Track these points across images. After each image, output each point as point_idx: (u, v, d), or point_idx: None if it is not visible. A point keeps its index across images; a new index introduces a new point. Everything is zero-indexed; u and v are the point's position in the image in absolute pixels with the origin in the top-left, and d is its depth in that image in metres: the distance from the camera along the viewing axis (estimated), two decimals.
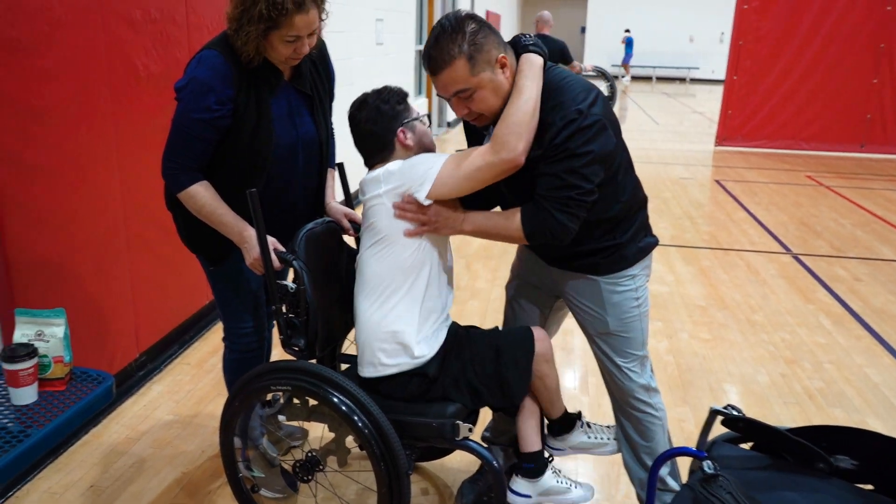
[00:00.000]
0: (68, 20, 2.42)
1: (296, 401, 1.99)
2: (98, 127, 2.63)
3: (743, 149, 9.65)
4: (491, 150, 1.73)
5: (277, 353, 2.25)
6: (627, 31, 22.25)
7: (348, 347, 2.19)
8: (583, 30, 24.71)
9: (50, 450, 2.51)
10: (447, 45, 1.69)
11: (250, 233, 1.93)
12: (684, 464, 1.96)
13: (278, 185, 2.06)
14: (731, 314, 3.97)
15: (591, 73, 9.38)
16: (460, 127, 9.23)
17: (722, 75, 9.84)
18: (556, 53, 7.36)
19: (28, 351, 1.84)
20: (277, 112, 2.01)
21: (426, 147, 1.95)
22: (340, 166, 2.31)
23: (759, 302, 4.17)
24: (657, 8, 23.19)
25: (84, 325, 2.62)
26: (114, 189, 2.74)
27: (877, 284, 4.51)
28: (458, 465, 2.50)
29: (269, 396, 2.03)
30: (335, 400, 1.81)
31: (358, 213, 2.16)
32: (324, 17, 1.94)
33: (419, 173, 1.80)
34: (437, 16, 9.94)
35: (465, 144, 2.06)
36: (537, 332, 1.95)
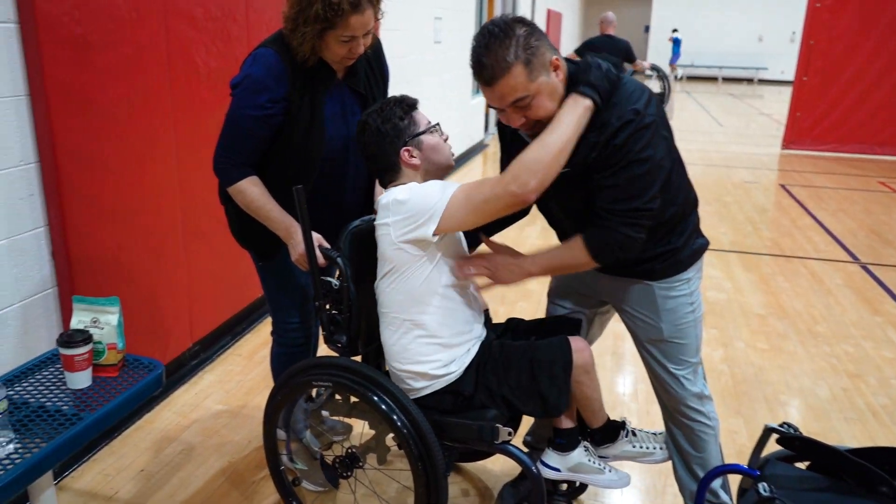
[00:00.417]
0: (132, 19, 2.50)
1: (337, 397, 2.00)
2: (158, 122, 2.70)
3: (811, 152, 9.30)
4: (501, 182, 1.64)
5: (325, 349, 2.27)
6: (675, 30, 21.75)
7: None
8: (646, 29, 24.23)
9: (104, 433, 2.60)
10: (500, 51, 1.59)
11: (296, 229, 1.95)
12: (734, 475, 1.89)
13: (329, 184, 2.08)
14: (792, 324, 3.82)
15: (649, 73, 9.20)
16: None
17: (791, 76, 9.49)
18: (621, 52, 7.51)
19: (83, 337, 1.91)
20: (330, 111, 2.02)
21: (436, 163, 1.87)
22: None
23: (822, 312, 4.00)
24: (724, 6, 22.55)
25: (140, 314, 2.70)
26: (172, 182, 2.82)
27: None
28: (501, 468, 2.47)
29: (314, 392, 2.05)
30: (375, 398, 1.81)
31: None
32: (379, 16, 1.94)
33: (426, 208, 1.71)
34: (498, 13, 9.88)
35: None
36: (576, 343, 1.86)
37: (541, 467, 1.96)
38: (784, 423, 1.54)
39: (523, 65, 1.59)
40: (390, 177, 1.89)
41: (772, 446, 1.60)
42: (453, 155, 1.98)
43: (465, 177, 7.53)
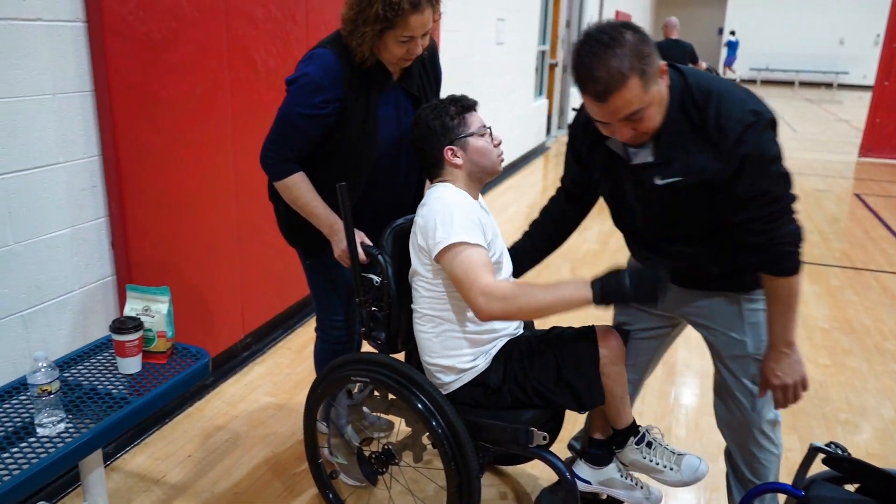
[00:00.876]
0: (195, 18, 2.58)
1: (376, 393, 2.02)
2: (217, 118, 2.78)
3: (890, 161, 8.85)
4: (478, 285, 1.66)
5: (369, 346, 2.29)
6: (732, 33, 21.07)
7: None
8: (720, 31, 23.56)
9: (156, 419, 2.69)
10: (613, 61, 1.44)
11: (340, 226, 1.97)
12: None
13: (380, 184, 2.08)
14: (858, 339, 3.65)
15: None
16: None
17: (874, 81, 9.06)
18: (687, 55, 7.53)
19: (134, 324, 1.98)
20: (384, 113, 2.02)
21: (480, 166, 1.89)
22: None
23: (892, 328, 3.80)
24: (804, 8, 21.71)
25: (194, 305, 2.79)
26: (228, 177, 2.90)
27: None
28: (540, 472, 2.44)
29: (357, 388, 2.06)
30: (410, 396, 1.82)
31: None
32: (437, 16, 1.93)
33: (430, 241, 1.78)
34: (563, 16, 9.80)
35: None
36: (604, 333, 1.81)
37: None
38: (831, 442, 1.47)
39: (639, 76, 1.46)
40: (435, 172, 1.93)
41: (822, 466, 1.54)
42: (502, 160, 1.97)
43: (528, 178, 7.49)
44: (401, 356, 2.11)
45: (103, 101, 2.26)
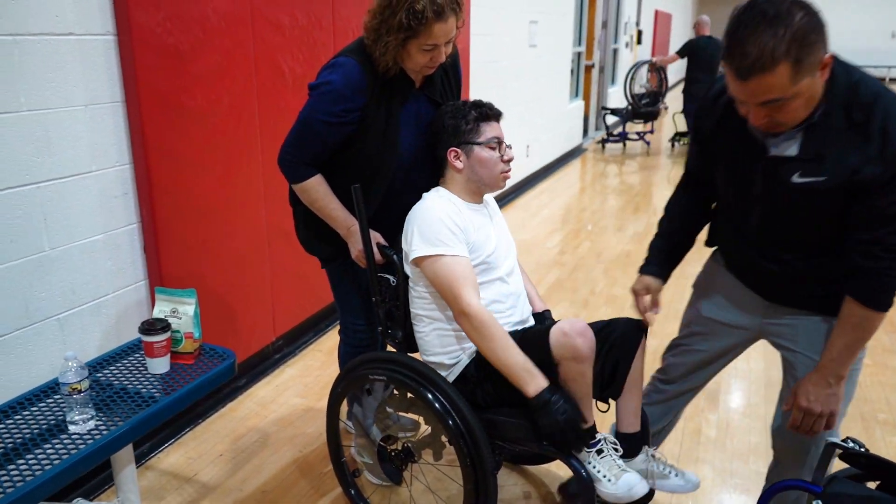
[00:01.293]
0: (221, 28, 2.65)
1: (396, 391, 2.04)
2: (245, 125, 2.85)
3: None
4: (464, 299, 1.75)
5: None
6: None
7: None
8: None
9: (189, 419, 2.76)
10: (769, 41, 1.30)
11: (357, 227, 2.00)
12: None
13: (399, 189, 2.09)
14: None
15: None
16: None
17: None
18: (717, 50, 7.50)
19: (162, 325, 2.04)
20: (405, 120, 2.03)
21: (479, 176, 1.92)
22: None
23: None
24: (853, 3, 21.10)
25: (224, 308, 2.86)
26: (257, 183, 2.96)
27: None
28: (566, 471, 2.43)
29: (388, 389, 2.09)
30: (426, 394, 1.84)
31: None
32: (460, 24, 1.93)
33: (407, 247, 1.87)
34: (599, 17, 9.73)
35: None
36: (573, 326, 1.73)
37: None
38: (847, 437, 1.43)
39: (791, 65, 1.31)
40: (440, 173, 1.97)
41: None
42: (506, 177, 1.97)
43: (563, 180, 7.45)
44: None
45: (133, 111, 2.34)
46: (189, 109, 2.55)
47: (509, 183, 6.41)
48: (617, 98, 10.64)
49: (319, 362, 3.28)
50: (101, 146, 2.28)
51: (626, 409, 1.96)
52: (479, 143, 1.90)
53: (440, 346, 1.92)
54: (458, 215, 1.88)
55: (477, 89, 5.36)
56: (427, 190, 2.15)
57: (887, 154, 1.40)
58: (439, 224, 1.83)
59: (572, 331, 1.72)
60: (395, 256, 1.98)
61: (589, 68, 9.71)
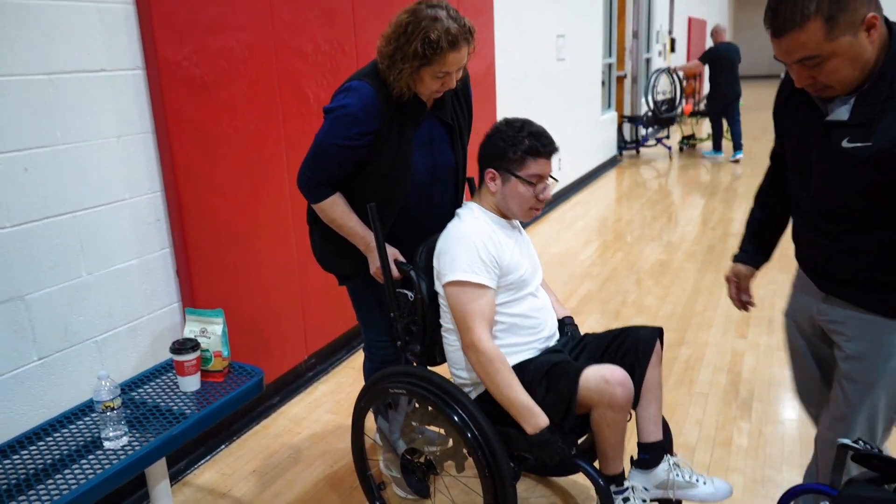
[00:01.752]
0: (246, 58, 2.76)
1: (417, 405, 2.08)
2: (272, 150, 2.95)
3: None
4: (474, 332, 1.82)
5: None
6: None
7: None
8: None
9: (225, 436, 2.85)
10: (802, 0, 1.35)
11: (374, 246, 2.05)
12: None
13: (416, 208, 2.14)
14: None
15: None
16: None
17: None
18: (738, 56, 8.45)
19: (192, 345, 2.13)
20: (418, 141, 2.09)
21: (507, 205, 1.96)
22: (470, 181, 2.38)
23: None
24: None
25: (257, 327, 2.95)
26: (285, 205, 3.06)
27: None
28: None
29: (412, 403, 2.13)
30: (445, 407, 1.87)
31: None
32: (472, 51, 1.99)
33: (439, 268, 1.93)
34: (629, 28, 9.71)
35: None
36: (613, 374, 1.77)
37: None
38: (859, 438, 1.41)
39: (824, 20, 1.34)
40: (479, 186, 2.03)
41: None
42: (535, 213, 1.99)
43: (597, 192, 7.43)
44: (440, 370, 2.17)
45: (163, 141, 2.45)
46: (217, 137, 2.65)
47: None
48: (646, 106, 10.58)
49: (351, 379, 3.34)
50: (134, 175, 2.39)
51: (645, 417, 1.96)
52: (518, 176, 1.91)
53: (466, 363, 1.95)
54: (494, 241, 1.90)
55: (504, 105, 5.41)
56: (441, 208, 2.20)
57: None
58: (474, 253, 1.86)
59: (613, 380, 1.76)
60: (411, 272, 2.02)
61: (621, 79, 9.68)
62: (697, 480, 1.94)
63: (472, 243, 1.88)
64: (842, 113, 1.49)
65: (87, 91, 2.21)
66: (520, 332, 1.97)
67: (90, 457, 1.83)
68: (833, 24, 1.34)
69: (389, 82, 1.97)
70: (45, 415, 2.10)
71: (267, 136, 2.92)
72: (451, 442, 2.02)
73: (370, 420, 2.25)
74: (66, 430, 1.97)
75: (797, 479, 2.10)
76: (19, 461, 1.83)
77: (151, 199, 2.47)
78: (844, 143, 1.48)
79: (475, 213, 1.99)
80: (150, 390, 2.18)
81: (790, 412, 2.87)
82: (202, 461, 2.71)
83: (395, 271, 2.03)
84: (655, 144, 9.97)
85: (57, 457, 1.84)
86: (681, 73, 9.81)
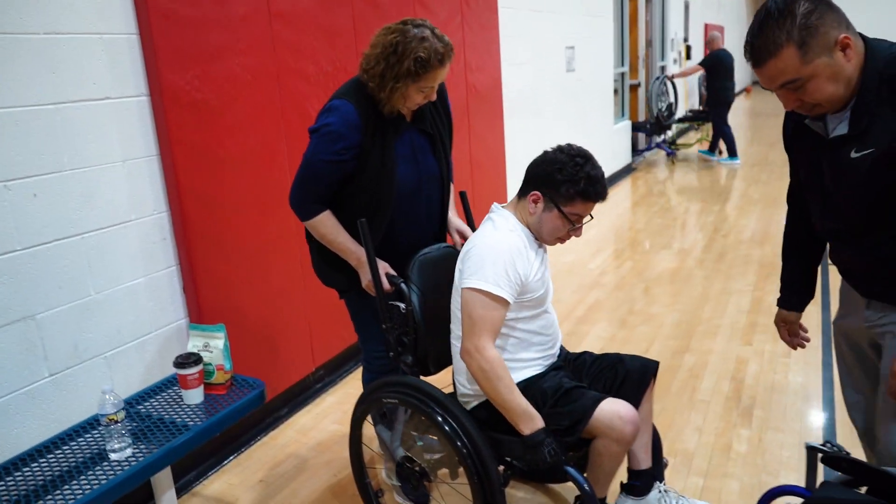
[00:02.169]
0: (249, 82, 2.86)
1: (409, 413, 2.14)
2: (276, 170, 3.04)
3: None
4: (474, 337, 1.84)
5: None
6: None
7: None
8: None
9: (233, 448, 2.93)
10: (773, 31, 1.46)
11: (365, 260, 2.12)
12: None
13: (404, 219, 2.22)
14: None
15: None
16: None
17: None
18: (730, 62, 8.81)
19: (194, 359, 2.21)
20: (401, 152, 2.17)
21: (539, 229, 1.97)
22: (463, 195, 2.44)
23: None
24: None
25: (263, 341, 3.03)
26: (290, 222, 3.13)
27: None
28: None
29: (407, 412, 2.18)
30: (433, 414, 1.93)
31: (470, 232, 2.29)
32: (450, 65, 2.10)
33: (464, 271, 1.92)
34: (642, 37, 9.73)
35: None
36: (627, 413, 1.83)
37: None
38: (827, 441, 1.44)
39: (797, 46, 1.45)
40: (520, 195, 2.02)
41: None
42: (559, 243, 2.04)
43: (610, 200, 7.41)
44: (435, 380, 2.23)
45: (168, 163, 2.55)
46: (221, 158, 2.75)
47: None
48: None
49: (358, 390, 3.38)
50: (140, 197, 2.50)
51: (638, 445, 2.01)
52: (561, 211, 1.92)
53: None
54: (524, 259, 1.92)
55: (513, 118, 5.47)
56: (431, 218, 2.26)
57: None
58: (502, 266, 1.86)
59: (626, 417, 1.82)
60: (402, 285, 2.09)
61: (635, 87, 9.70)
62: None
63: (503, 257, 1.87)
64: (842, 128, 1.58)
65: (92, 118, 2.31)
66: (531, 348, 2.02)
67: (96, 468, 1.92)
68: (806, 49, 1.45)
69: (380, 99, 2.06)
70: (55, 428, 2.19)
71: (271, 155, 3.02)
72: (444, 450, 2.07)
73: (369, 429, 2.31)
74: (74, 444, 2.07)
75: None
76: (29, 474, 1.93)
77: (157, 220, 2.57)
78: (853, 154, 1.55)
79: (511, 225, 1.98)
80: (155, 403, 2.27)
81: (792, 419, 2.88)
82: (211, 472, 2.79)
83: (386, 284, 2.10)
84: (654, 150, 10.14)
85: (65, 468, 1.94)
86: (676, 80, 9.96)
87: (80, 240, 2.30)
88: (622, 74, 9.08)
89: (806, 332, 2.05)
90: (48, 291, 2.20)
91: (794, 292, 2.00)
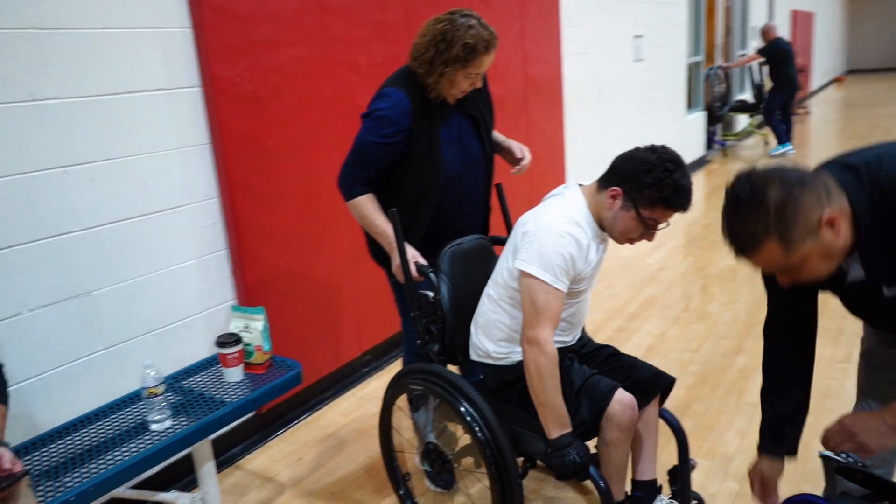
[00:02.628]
0: (298, 74, 2.95)
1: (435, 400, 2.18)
2: (324, 158, 3.13)
3: None
4: (534, 338, 1.81)
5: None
6: None
7: None
8: None
9: (278, 426, 3.05)
10: (748, 224, 1.32)
11: (394, 246, 2.17)
12: None
13: (448, 203, 2.28)
14: None
15: None
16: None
17: None
18: (790, 49, 8.79)
19: (234, 339, 2.32)
20: (447, 136, 2.25)
21: (611, 227, 1.89)
22: (499, 188, 2.46)
23: None
24: None
25: (311, 324, 3.13)
26: (338, 209, 3.22)
27: None
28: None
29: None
30: (455, 402, 1.96)
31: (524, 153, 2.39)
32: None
33: (521, 254, 1.88)
34: (720, 24, 9.39)
35: None
36: (623, 398, 1.84)
37: None
38: (842, 451, 1.39)
39: (777, 239, 1.30)
40: (598, 188, 1.93)
41: None
42: (628, 244, 1.95)
43: None
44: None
45: (218, 151, 2.67)
46: (269, 147, 2.86)
47: None
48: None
49: None
50: (192, 183, 2.62)
51: (640, 454, 2.00)
52: (639, 213, 1.82)
53: (496, 337, 2.02)
54: (583, 257, 1.87)
55: (574, 109, 5.41)
56: (477, 204, 2.30)
57: None
58: (560, 258, 1.82)
59: (625, 401, 1.84)
60: (430, 274, 2.13)
61: (728, 77, 9.38)
62: None
63: (558, 249, 1.83)
64: (857, 271, 1.45)
65: (148, 108, 2.45)
66: (556, 333, 2.01)
67: (139, 437, 2.05)
68: (788, 240, 1.30)
69: (428, 84, 2.15)
70: (107, 397, 2.34)
71: (319, 144, 3.10)
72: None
73: (398, 414, 2.37)
74: (121, 413, 2.21)
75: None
76: (78, 438, 2.07)
77: (208, 206, 2.70)
78: (887, 293, 1.43)
79: (578, 216, 1.89)
80: (198, 380, 2.39)
81: None
82: (256, 447, 2.92)
83: (414, 272, 2.14)
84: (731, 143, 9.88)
85: (112, 434, 2.08)
86: (730, 70, 9.69)
87: (133, 223, 2.44)
88: (697, 64, 8.80)
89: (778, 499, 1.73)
90: (103, 270, 2.36)
91: (781, 437, 1.67)
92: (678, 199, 1.78)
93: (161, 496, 2.41)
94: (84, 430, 2.12)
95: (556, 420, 1.81)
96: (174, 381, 2.37)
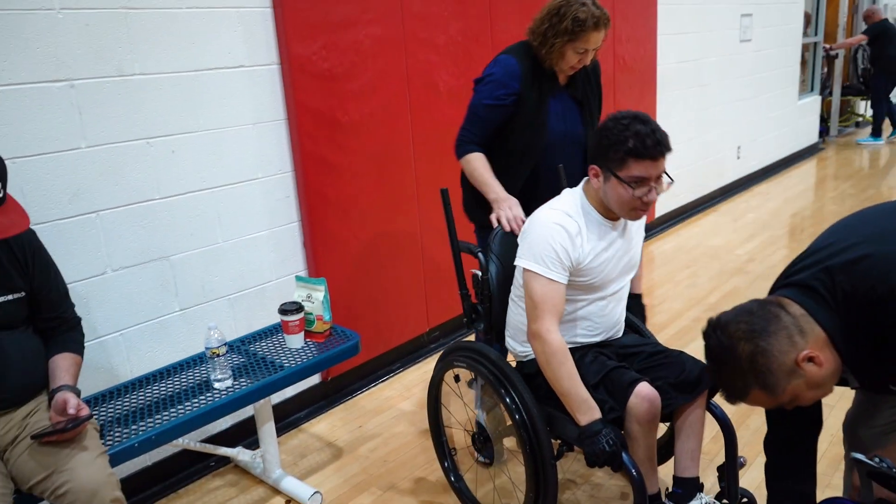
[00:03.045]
0: (374, 51, 3.01)
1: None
2: (398, 136, 3.19)
3: None
4: (537, 332, 1.84)
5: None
6: None
7: None
8: None
9: (345, 394, 3.17)
10: (730, 378, 1.41)
11: (503, 197, 2.27)
12: None
13: (545, 172, 2.39)
14: None
15: None
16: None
17: None
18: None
19: (295, 307, 2.43)
20: (553, 107, 2.39)
21: (607, 203, 1.88)
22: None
23: None
24: None
25: (379, 298, 3.22)
26: (410, 187, 3.29)
27: None
28: (667, 473, 2.39)
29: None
30: (496, 383, 1.98)
31: None
32: (605, 37, 2.30)
33: (518, 254, 1.95)
34: (844, 4, 8.73)
35: None
36: (645, 391, 1.80)
37: None
38: (875, 455, 1.32)
39: (760, 389, 1.37)
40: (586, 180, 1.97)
41: None
42: (640, 214, 1.90)
43: (783, 182, 6.87)
44: None
45: (293, 127, 2.78)
46: (343, 124, 2.94)
47: (715, 187, 6.10)
48: None
49: None
50: (267, 157, 2.75)
51: (682, 451, 1.95)
52: (617, 177, 1.80)
53: (520, 339, 2.04)
54: (574, 243, 1.87)
55: (668, 91, 5.22)
56: (571, 173, 2.32)
57: None
58: (549, 248, 1.85)
59: (641, 393, 1.81)
60: (479, 255, 2.14)
61: (832, 59, 8.75)
62: None
63: (546, 239, 1.86)
64: (853, 381, 1.51)
65: (227, 84, 2.58)
66: (571, 331, 2.00)
67: (204, 393, 2.20)
68: (771, 386, 1.36)
69: (541, 55, 2.30)
70: (181, 355, 2.52)
71: (394, 122, 3.16)
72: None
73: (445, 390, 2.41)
74: (191, 371, 2.37)
75: None
76: (150, 391, 2.25)
77: (282, 179, 2.82)
78: (893, 388, 1.46)
79: (569, 206, 1.92)
80: (263, 344, 2.53)
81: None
82: (321, 413, 3.05)
83: (506, 225, 2.20)
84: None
85: (182, 388, 2.25)
86: (832, 52, 8.86)
87: (211, 193, 2.59)
88: (815, 45, 8.24)
89: None
90: (181, 237, 2.52)
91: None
92: (642, 145, 1.76)
93: (224, 450, 2.58)
94: (155, 384, 2.29)
95: (580, 407, 1.80)
96: (241, 345, 2.51)
